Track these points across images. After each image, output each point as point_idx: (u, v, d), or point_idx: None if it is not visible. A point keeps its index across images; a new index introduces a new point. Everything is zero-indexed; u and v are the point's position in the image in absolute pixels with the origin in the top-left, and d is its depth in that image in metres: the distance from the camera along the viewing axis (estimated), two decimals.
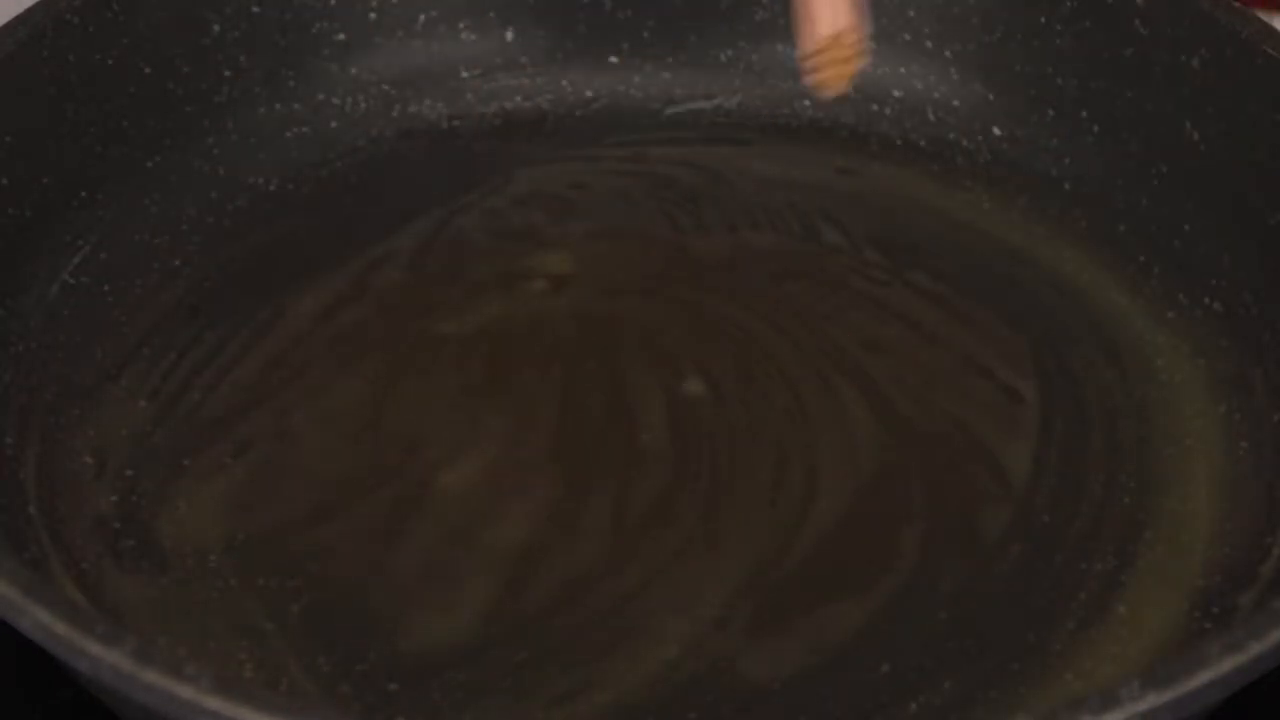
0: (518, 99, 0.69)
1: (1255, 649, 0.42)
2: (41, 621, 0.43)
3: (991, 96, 0.68)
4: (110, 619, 0.48)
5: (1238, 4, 0.63)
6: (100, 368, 0.59)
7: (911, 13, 0.69)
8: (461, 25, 0.69)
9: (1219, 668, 0.42)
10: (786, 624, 0.52)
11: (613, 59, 0.68)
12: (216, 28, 0.65)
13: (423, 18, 0.69)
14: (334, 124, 0.68)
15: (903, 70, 0.69)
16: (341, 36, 0.68)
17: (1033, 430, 0.57)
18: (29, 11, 0.61)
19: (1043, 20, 0.66)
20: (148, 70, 0.64)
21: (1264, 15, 0.64)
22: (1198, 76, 0.62)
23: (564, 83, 0.69)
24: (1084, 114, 0.66)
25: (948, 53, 0.68)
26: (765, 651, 0.51)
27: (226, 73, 0.66)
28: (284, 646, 0.51)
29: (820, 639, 0.51)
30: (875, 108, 0.69)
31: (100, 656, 0.42)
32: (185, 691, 0.41)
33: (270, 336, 0.60)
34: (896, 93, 0.69)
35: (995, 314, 0.61)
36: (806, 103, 0.69)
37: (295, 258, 0.63)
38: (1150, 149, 0.64)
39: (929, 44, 0.69)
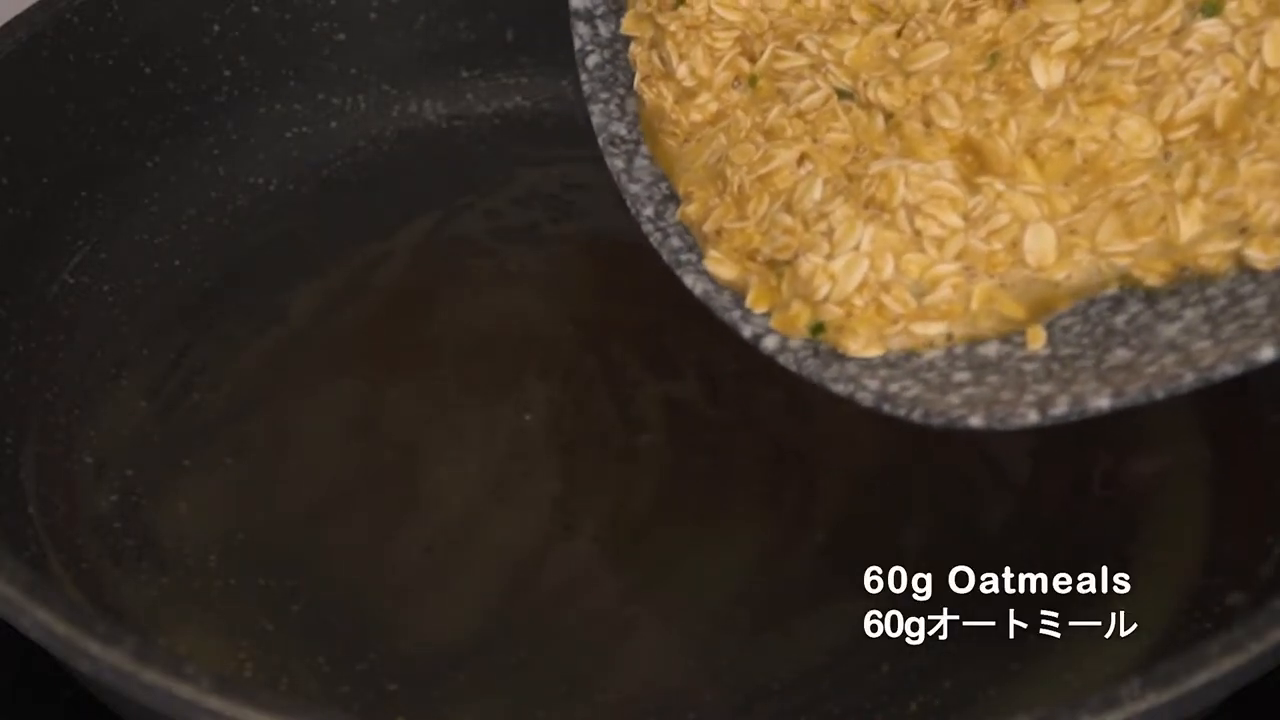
0: (518, 99, 0.69)
1: (1255, 649, 0.42)
2: (42, 621, 0.43)
3: None
4: (110, 619, 0.48)
5: None
6: (100, 368, 0.59)
7: None
8: (461, 25, 0.69)
9: (1219, 668, 0.42)
10: (786, 624, 0.52)
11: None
12: (216, 28, 0.65)
13: (423, 18, 0.69)
14: (334, 124, 0.68)
15: None
16: (341, 36, 0.68)
17: (1031, 430, 0.57)
18: (29, 11, 0.61)
19: None
20: (148, 70, 0.64)
21: None
22: None
23: (564, 83, 0.69)
24: None
25: None
26: (765, 651, 0.51)
27: (226, 73, 0.66)
28: (284, 646, 0.51)
29: (820, 639, 0.51)
30: None
31: (100, 656, 0.42)
32: (185, 691, 0.41)
33: (270, 336, 0.61)
34: None
35: None
36: None
37: (295, 258, 0.63)
38: None
39: None
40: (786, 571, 0.53)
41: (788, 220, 0.49)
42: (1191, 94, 0.47)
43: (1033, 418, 0.44)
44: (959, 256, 0.47)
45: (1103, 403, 0.44)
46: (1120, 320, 0.46)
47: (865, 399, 0.46)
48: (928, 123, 0.49)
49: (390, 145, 0.68)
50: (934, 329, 0.47)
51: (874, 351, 0.47)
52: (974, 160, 0.49)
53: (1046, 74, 0.49)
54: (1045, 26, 0.50)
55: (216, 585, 0.53)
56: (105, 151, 0.63)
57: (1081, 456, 0.56)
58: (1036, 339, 0.46)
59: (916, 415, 0.46)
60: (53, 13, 0.61)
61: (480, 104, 0.69)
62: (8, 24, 0.60)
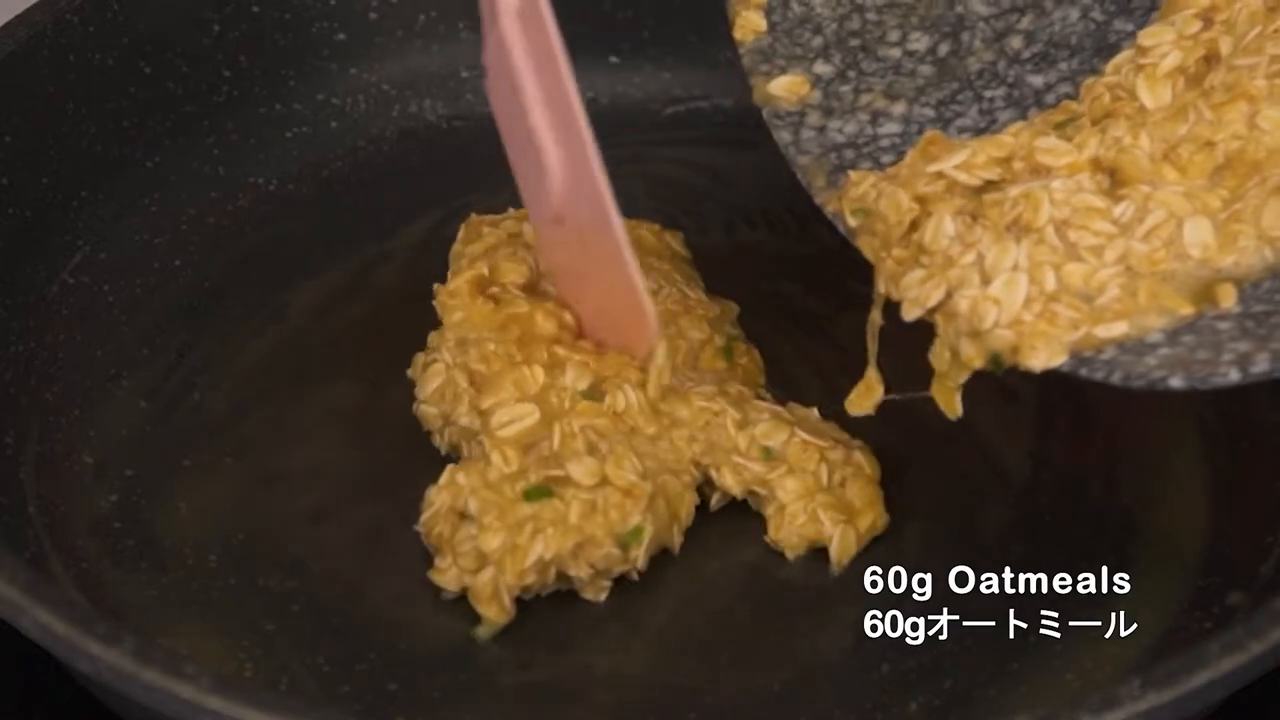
0: None
1: (1255, 649, 0.42)
2: (42, 621, 0.43)
3: None
4: (110, 619, 0.48)
5: None
6: (100, 368, 0.59)
7: None
8: (461, 25, 0.69)
9: (1219, 668, 0.42)
10: (786, 624, 0.52)
11: (613, 59, 0.68)
12: (216, 28, 0.65)
13: (423, 18, 0.69)
14: (334, 124, 0.68)
15: None
16: (341, 36, 0.68)
17: (1031, 429, 0.57)
18: (29, 11, 0.61)
19: None
20: (148, 70, 0.64)
21: None
22: None
23: None
24: None
25: None
26: (765, 651, 0.51)
27: (226, 73, 0.66)
28: (284, 646, 0.51)
29: (820, 639, 0.51)
30: None
31: (100, 656, 0.42)
32: (185, 691, 0.41)
33: (270, 336, 0.61)
34: None
35: None
36: None
37: (295, 257, 0.63)
38: None
39: None
40: (786, 571, 0.53)
41: (925, 266, 0.49)
42: None
43: (1234, 376, 0.45)
44: (1119, 260, 0.47)
45: None
46: None
47: (1064, 365, 0.46)
48: (1039, 171, 0.49)
49: (390, 145, 0.68)
50: (1116, 329, 0.46)
51: (1057, 361, 0.46)
52: (1104, 178, 0.49)
53: (1154, 95, 0.50)
54: (1144, 50, 0.50)
55: (216, 585, 0.53)
56: (105, 151, 0.63)
57: (1081, 457, 0.56)
58: (1228, 297, 0.47)
59: (1116, 378, 0.46)
60: (53, 13, 0.61)
61: (480, 104, 0.69)
62: (8, 24, 0.60)
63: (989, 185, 0.50)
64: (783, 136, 0.54)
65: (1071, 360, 0.46)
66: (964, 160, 0.50)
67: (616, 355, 0.55)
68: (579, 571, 0.51)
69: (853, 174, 0.52)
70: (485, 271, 0.57)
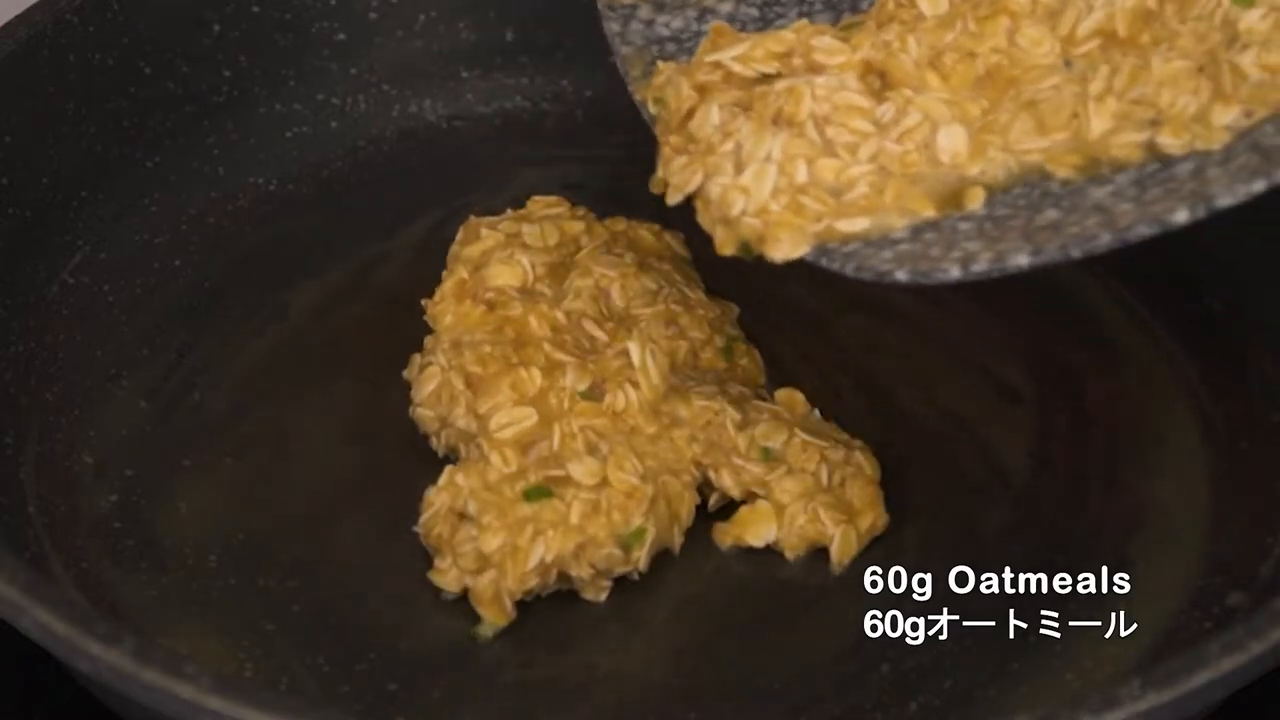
0: (518, 99, 0.69)
1: (1255, 649, 0.42)
2: (42, 621, 0.43)
3: None
4: (110, 619, 0.48)
5: None
6: (100, 368, 0.59)
7: None
8: (461, 25, 0.69)
9: (1219, 668, 0.42)
10: (786, 624, 0.52)
11: (612, 59, 0.67)
12: (216, 28, 0.65)
13: (423, 18, 0.69)
14: (334, 124, 0.68)
15: None
16: (341, 36, 0.68)
17: (1031, 429, 0.57)
18: (29, 11, 0.61)
19: None
20: (148, 70, 0.64)
21: None
22: None
23: (564, 83, 0.69)
24: None
25: None
26: (765, 651, 0.51)
27: (226, 73, 0.66)
28: (284, 646, 0.51)
29: (820, 639, 0.51)
30: None
31: (100, 656, 0.42)
32: (185, 691, 0.41)
33: (270, 336, 0.61)
34: None
35: (993, 313, 0.60)
36: None
37: (295, 257, 0.63)
38: None
39: None
40: (786, 571, 0.53)
41: (690, 152, 0.49)
42: (1091, 7, 0.49)
43: (955, 273, 0.46)
44: (872, 159, 0.48)
45: (1021, 260, 0.45)
46: (1056, 184, 0.47)
47: (807, 255, 0.48)
48: (814, 69, 0.50)
49: (390, 145, 0.68)
50: (858, 224, 0.48)
51: (799, 252, 0.48)
52: (875, 79, 0.50)
53: (931, 4, 0.51)
54: None
55: (216, 585, 0.53)
56: (105, 151, 0.63)
57: (1081, 456, 0.56)
58: (976, 200, 0.48)
59: (849, 269, 0.47)
60: (53, 13, 0.61)
61: (480, 104, 0.69)
62: (8, 24, 0.60)
63: (765, 79, 0.50)
64: (611, 28, 0.56)
65: (814, 250, 0.47)
66: (742, 53, 0.51)
67: (613, 356, 0.55)
68: (580, 572, 0.51)
69: (660, 65, 0.53)
70: (466, 276, 0.57)
